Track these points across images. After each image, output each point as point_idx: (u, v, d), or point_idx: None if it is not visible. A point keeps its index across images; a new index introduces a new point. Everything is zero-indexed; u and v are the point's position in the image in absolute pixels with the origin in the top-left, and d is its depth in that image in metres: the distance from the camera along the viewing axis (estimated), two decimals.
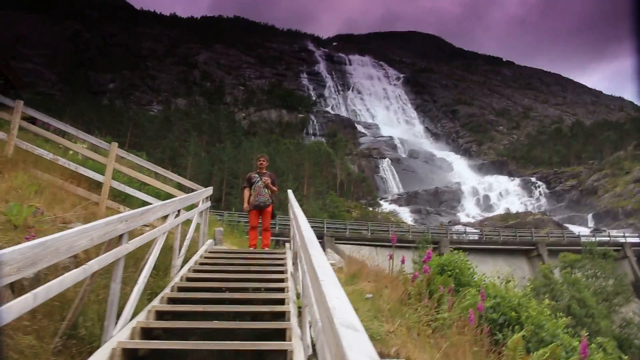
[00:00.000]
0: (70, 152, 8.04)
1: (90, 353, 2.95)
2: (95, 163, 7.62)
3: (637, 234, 43.34)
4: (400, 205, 66.63)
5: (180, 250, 5.54)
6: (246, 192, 7.98)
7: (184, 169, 54.47)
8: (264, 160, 8.19)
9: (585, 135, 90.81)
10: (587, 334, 5.49)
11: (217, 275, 5.31)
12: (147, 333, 3.53)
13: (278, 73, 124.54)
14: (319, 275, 1.69)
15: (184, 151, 62.64)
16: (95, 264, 2.83)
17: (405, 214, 61.81)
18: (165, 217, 5.02)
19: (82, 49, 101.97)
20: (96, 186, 7.34)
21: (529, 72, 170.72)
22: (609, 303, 22.94)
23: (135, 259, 4.63)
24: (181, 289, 4.73)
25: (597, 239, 36.72)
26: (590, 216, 62.67)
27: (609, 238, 39.42)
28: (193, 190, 8.34)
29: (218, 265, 5.98)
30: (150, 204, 6.60)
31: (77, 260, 3.75)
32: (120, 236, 3.31)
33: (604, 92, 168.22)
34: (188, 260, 5.94)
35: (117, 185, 7.30)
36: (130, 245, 3.50)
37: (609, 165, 73.70)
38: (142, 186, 8.62)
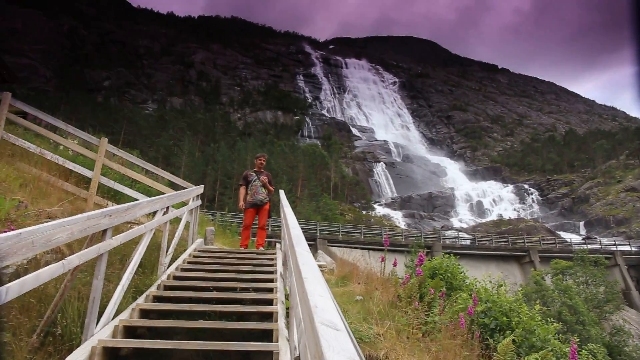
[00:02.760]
0: (61, 147, 7.91)
1: (70, 351, 2.85)
2: (86, 159, 7.51)
3: (627, 242, 43.62)
4: (393, 210, 66.70)
5: (168, 248, 5.44)
6: (242, 190, 7.85)
7: (178, 168, 54.17)
8: (264, 160, 8.12)
9: (578, 143, 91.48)
10: (578, 340, 5.45)
11: (205, 275, 5.22)
12: (130, 332, 3.44)
13: (274, 74, 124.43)
14: (303, 273, 1.62)
15: (178, 150, 62.33)
16: (75, 259, 2.73)
17: (399, 218, 61.87)
18: (153, 214, 4.92)
19: (77, 46, 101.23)
20: (85, 182, 7.23)
21: (523, 79, 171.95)
22: (600, 310, 23.00)
23: (121, 256, 4.54)
24: (168, 288, 4.63)
25: (589, 246, 36.95)
26: (582, 224, 63.03)
27: (600, 246, 39.64)
28: (184, 189, 8.23)
29: (207, 265, 5.88)
30: None
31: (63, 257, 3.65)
32: (104, 231, 3.22)
33: (596, 101, 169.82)
34: (176, 259, 5.84)
35: (106, 181, 7.18)
36: (114, 241, 3.41)
37: (602, 173, 74.27)
38: (132, 183, 8.51)
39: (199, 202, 7.78)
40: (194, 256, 6.37)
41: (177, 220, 6.49)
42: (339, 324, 1.13)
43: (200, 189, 7.79)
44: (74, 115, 60.28)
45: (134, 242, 4.37)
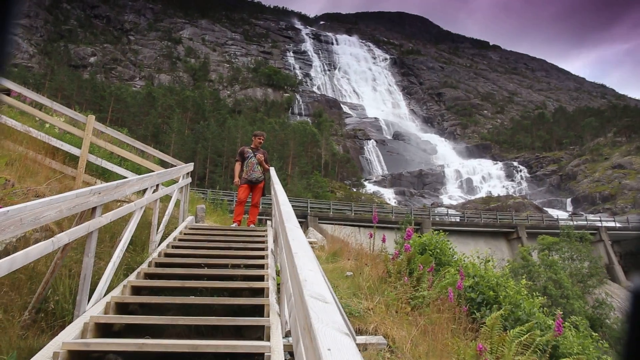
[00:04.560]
0: (47, 125, 7.77)
1: (62, 327, 2.88)
2: (73, 137, 7.39)
3: (612, 219, 44.49)
4: (384, 187, 67.04)
5: (158, 226, 5.44)
6: (237, 166, 7.90)
7: (167, 146, 53.66)
8: (262, 139, 8.21)
9: (568, 121, 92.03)
10: (562, 313, 5.62)
11: (196, 252, 5.24)
12: (122, 308, 3.46)
13: (264, 51, 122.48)
14: (293, 248, 1.64)
15: (167, 128, 61.60)
16: (65, 237, 2.73)
17: (389, 195, 62.25)
18: (143, 192, 4.90)
19: (61, 21, 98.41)
20: (73, 160, 7.14)
21: (514, 56, 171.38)
22: (584, 284, 23.62)
23: (111, 234, 4.53)
24: (159, 265, 4.65)
25: (575, 222, 37.62)
26: (569, 200, 64.01)
27: (585, 222, 40.38)
28: (174, 167, 8.18)
29: (198, 242, 5.91)
30: None
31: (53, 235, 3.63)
32: (93, 209, 3.21)
33: (586, 78, 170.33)
34: (167, 237, 5.85)
35: (94, 159, 7.09)
36: (103, 218, 3.40)
37: (589, 151, 75.04)
38: (121, 161, 8.42)
39: (189, 179, 7.76)
40: (185, 234, 6.38)
41: (167, 198, 6.47)
42: (327, 297, 1.15)
43: (190, 167, 7.76)
44: (60, 92, 59.09)
45: (124, 220, 4.36)
